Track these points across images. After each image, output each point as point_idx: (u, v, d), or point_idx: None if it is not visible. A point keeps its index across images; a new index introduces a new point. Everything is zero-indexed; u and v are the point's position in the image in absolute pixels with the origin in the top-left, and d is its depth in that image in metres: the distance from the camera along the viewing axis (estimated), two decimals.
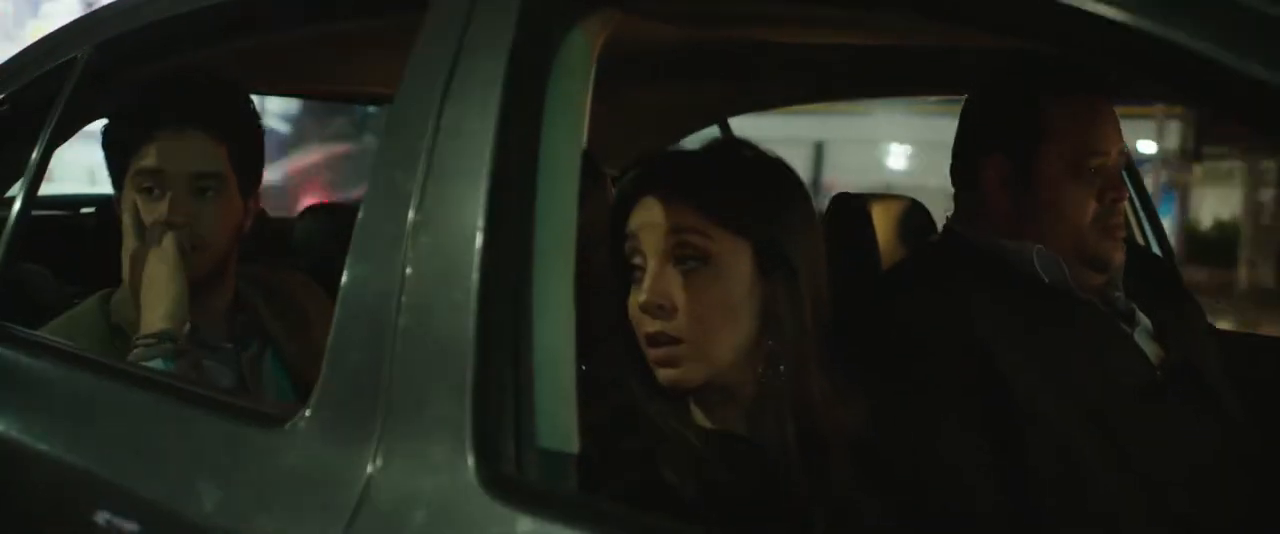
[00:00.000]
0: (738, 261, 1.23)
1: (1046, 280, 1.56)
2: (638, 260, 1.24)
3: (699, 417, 1.27)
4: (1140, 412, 1.50)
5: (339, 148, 10.67)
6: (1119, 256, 1.59)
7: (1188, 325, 1.69)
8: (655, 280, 1.22)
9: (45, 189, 1.76)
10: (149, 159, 1.62)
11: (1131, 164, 2.12)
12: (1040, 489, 1.41)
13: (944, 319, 1.50)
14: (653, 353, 1.23)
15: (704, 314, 1.22)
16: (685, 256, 1.23)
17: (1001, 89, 1.63)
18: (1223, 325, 1.87)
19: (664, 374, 1.23)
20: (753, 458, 1.24)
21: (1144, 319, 1.62)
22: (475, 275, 1.02)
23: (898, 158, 10.85)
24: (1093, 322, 1.58)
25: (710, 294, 1.22)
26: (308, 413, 1.12)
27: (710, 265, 1.23)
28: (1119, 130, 1.58)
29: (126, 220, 1.63)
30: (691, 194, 1.24)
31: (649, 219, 1.24)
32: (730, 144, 1.36)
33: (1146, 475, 1.44)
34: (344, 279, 1.12)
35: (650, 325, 1.22)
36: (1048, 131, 1.55)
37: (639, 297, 1.23)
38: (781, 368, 1.24)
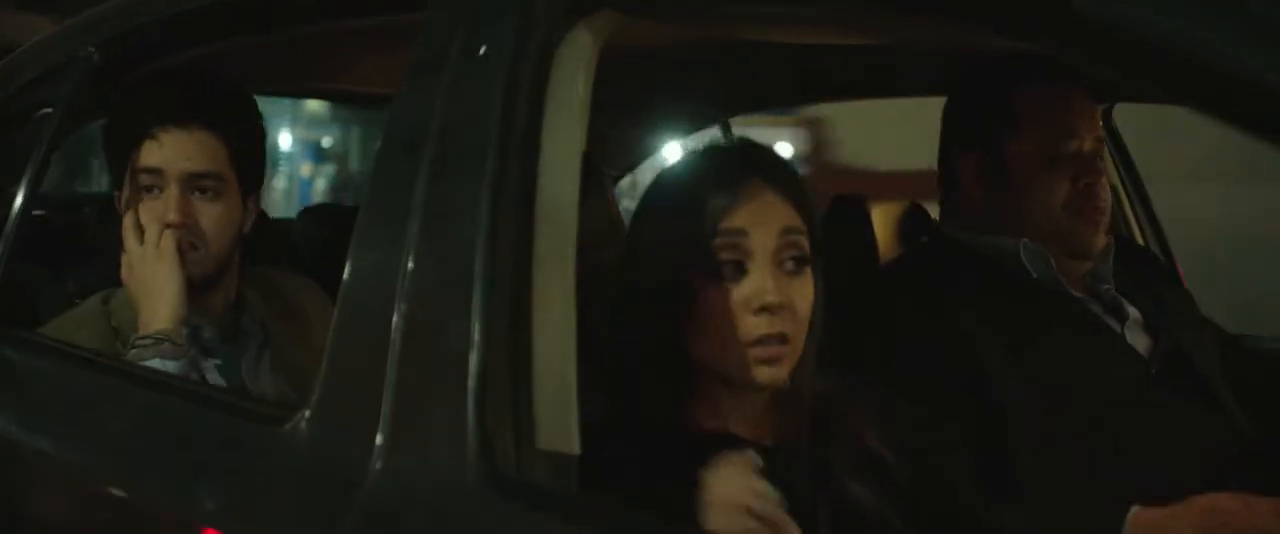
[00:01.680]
0: (815, 264, 1.24)
1: (1034, 275, 1.57)
2: (737, 256, 1.20)
3: (706, 420, 1.26)
4: (1131, 404, 1.51)
5: None
6: (1099, 241, 1.61)
7: (1179, 316, 1.70)
8: (775, 280, 1.19)
9: None
10: (149, 158, 1.62)
11: (1126, 153, 2.13)
12: (1030, 483, 1.42)
13: (929, 319, 1.51)
14: (762, 351, 1.19)
15: (806, 315, 1.22)
16: (789, 257, 1.21)
17: (973, 86, 1.66)
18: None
19: (767, 373, 1.20)
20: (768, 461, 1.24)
21: (1133, 311, 1.63)
22: (475, 275, 1.02)
23: None
24: (1081, 315, 1.59)
25: (810, 296, 1.22)
26: (308, 413, 1.12)
27: (806, 267, 1.22)
28: (1093, 117, 1.62)
29: (126, 220, 1.63)
30: (795, 194, 1.22)
31: (761, 217, 1.20)
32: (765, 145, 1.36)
33: (1138, 467, 1.44)
34: (344, 279, 1.12)
35: (766, 325, 1.19)
36: (1019, 122, 1.59)
37: (763, 296, 1.19)
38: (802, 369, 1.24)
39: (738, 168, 1.24)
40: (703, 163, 1.27)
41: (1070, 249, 1.59)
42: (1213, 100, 0.78)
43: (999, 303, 1.54)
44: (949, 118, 1.70)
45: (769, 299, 1.18)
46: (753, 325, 1.19)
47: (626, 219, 1.51)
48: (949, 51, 1.71)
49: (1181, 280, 2.01)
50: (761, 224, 1.20)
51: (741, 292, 1.20)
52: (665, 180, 1.27)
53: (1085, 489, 1.43)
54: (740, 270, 1.20)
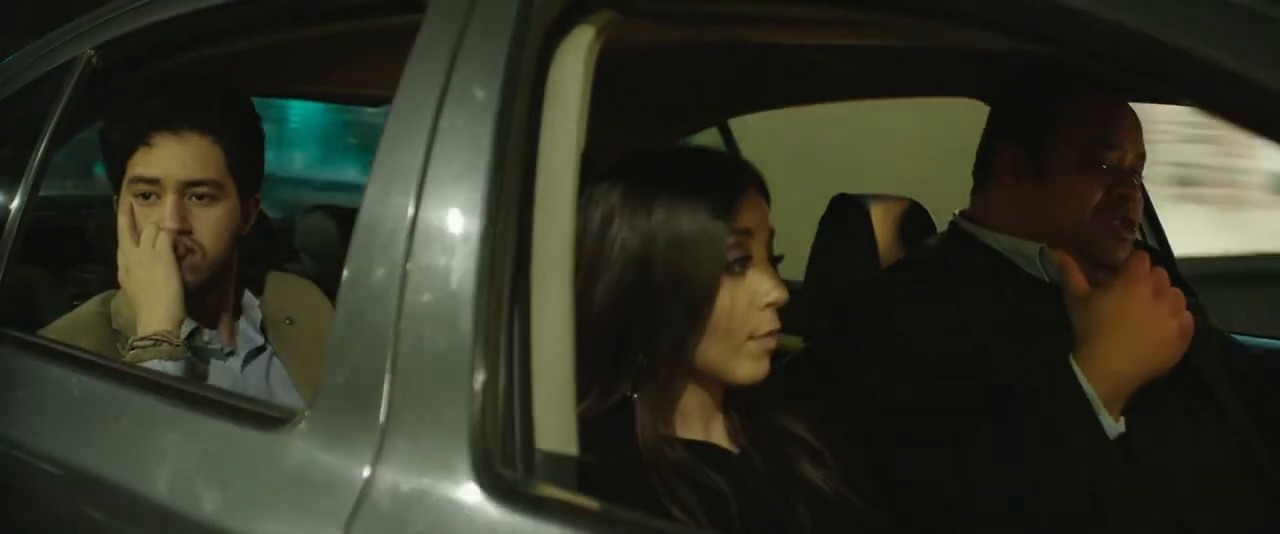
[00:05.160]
0: None
1: (1047, 280, 1.57)
2: (743, 254, 1.23)
3: (687, 430, 1.27)
4: (1139, 410, 1.51)
5: None
6: (1121, 254, 1.60)
7: None
8: (775, 278, 1.24)
9: None
10: (145, 166, 1.62)
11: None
12: (1038, 488, 1.42)
13: (941, 324, 1.50)
14: (768, 344, 1.24)
15: None
16: (770, 259, 1.26)
17: (1021, 84, 1.67)
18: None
19: (765, 367, 1.25)
20: (738, 465, 1.25)
21: None
22: (475, 276, 1.02)
23: None
24: None
25: None
26: (308, 414, 1.12)
27: None
28: (1138, 132, 1.61)
29: (123, 223, 1.63)
30: (768, 202, 1.27)
31: (759, 219, 1.25)
32: None
33: (1145, 474, 1.44)
34: (344, 280, 1.12)
35: (772, 321, 1.23)
36: (1062, 121, 1.59)
37: (773, 292, 1.22)
38: None
39: (739, 172, 1.27)
40: (707, 164, 1.29)
41: (1093, 257, 1.59)
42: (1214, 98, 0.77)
43: (1010, 302, 1.54)
44: (995, 111, 1.72)
45: (780, 296, 1.22)
46: (763, 321, 1.23)
47: None
48: (950, 52, 1.71)
49: (1189, 288, 2.01)
50: (759, 225, 1.24)
51: (749, 288, 1.22)
52: (665, 180, 1.25)
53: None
54: (744, 268, 1.23)
